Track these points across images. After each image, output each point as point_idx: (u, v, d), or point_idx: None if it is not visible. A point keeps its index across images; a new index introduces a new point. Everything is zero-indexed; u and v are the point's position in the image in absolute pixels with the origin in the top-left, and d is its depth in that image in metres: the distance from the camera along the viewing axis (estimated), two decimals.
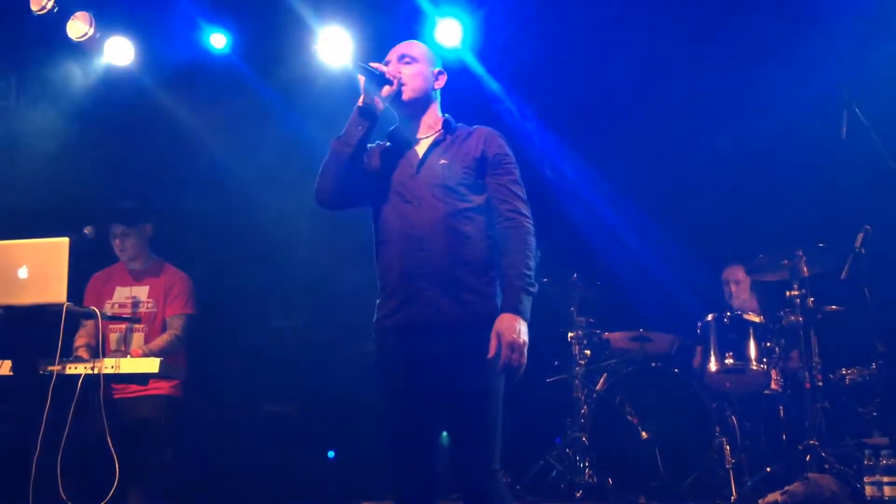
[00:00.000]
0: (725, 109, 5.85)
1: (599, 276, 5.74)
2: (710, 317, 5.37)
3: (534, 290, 2.88)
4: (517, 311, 2.82)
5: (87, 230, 4.30)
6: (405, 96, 3.09)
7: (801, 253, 5.07)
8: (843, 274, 4.84)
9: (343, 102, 5.98)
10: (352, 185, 3.08)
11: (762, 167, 5.85)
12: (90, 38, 5.71)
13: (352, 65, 3.01)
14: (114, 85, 6.04)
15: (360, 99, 3.05)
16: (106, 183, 5.87)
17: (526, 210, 3.01)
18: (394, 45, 5.95)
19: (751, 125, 5.81)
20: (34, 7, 5.44)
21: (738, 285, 5.76)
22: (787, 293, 5.11)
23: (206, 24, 5.96)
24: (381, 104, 3.06)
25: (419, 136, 3.14)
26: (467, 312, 2.90)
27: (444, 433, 2.96)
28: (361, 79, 3.03)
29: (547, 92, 5.95)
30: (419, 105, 3.14)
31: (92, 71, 5.98)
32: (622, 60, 5.94)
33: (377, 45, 6.00)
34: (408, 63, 3.13)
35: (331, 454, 6.08)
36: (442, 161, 3.04)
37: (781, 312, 5.17)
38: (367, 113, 3.05)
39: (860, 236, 4.84)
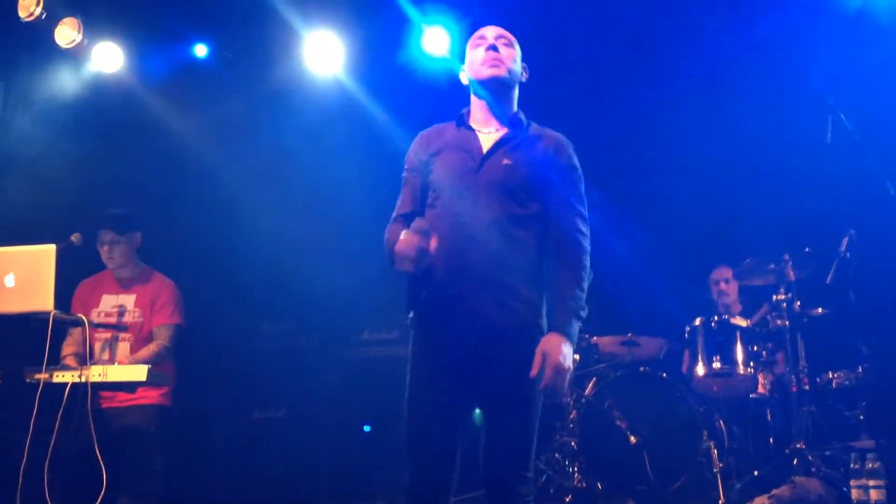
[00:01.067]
0: (712, 113, 5.87)
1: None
2: (697, 321, 5.38)
3: (584, 313, 2.81)
4: (566, 334, 2.75)
5: (74, 237, 4.30)
6: (503, 73, 2.99)
7: (787, 257, 5.11)
8: (829, 278, 4.87)
9: (331, 108, 6.08)
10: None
11: (748, 172, 5.88)
12: (79, 44, 5.71)
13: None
14: (103, 91, 6.04)
15: (408, 261, 2.76)
16: (94, 190, 5.85)
17: (585, 228, 2.92)
18: (381, 51, 5.99)
19: (737, 130, 5.85)
20: (22, 14, 5.44)
21: (729, 283, 5.77)
22: (774, 297, 5.15)
23: (194, 31, 5.95)
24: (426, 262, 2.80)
25: (489, 128, 3.02)
26: (513, 320, 2.82)
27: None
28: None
29: (534, 98, 5.95)
30: (507, 89, 3.05)
31: (81, 77, 5.97)
32: (609, 66, 5.96)
33: (364, 51, 6.05)
34: (506, 45, 3.06)
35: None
36: (506, 161, 2.92)
37: (768, 316, 5.20)
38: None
39: (845, 241, 4.88)
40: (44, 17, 5.47)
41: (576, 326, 2.79)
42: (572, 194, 2.95)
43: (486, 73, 3.01)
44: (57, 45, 5.69)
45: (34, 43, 5.74)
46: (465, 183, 2.91)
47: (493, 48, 3.02)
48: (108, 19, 5.88)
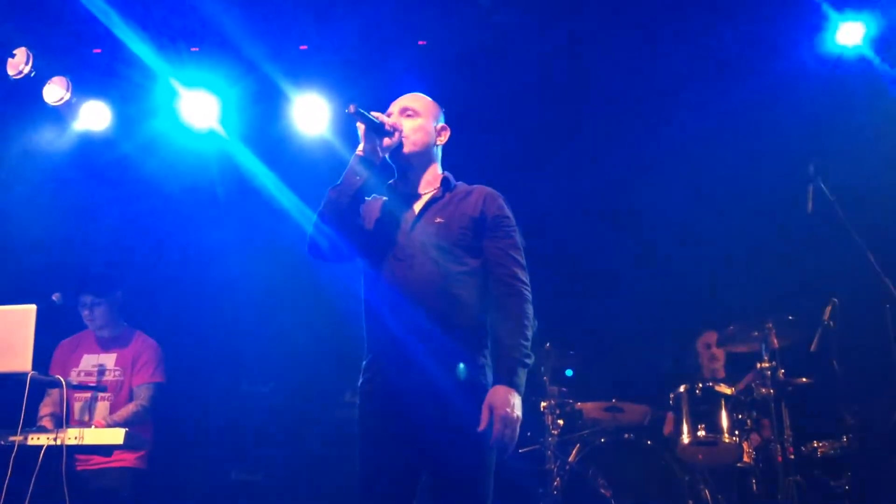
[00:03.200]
0: (695, 180, 5.94)
1: (572, 345, 5.73)
2: (682, 388, 5.34)
3: (530, 361, 2.79)
4: (512, 384, 2.72)
5: (55, 297, 4.27)
6: (405, 150, 3.00)
7: (770, 325, 5.11)
8: (813, 346, 4.87)
9: (317, 168, 6.11)
10: (347, 236, 2.96)
11: (731, 239, 5.92)
12: (67, 102, 5.73)
13: (352, 110, 2.85)
14: (89, 149, 6.04)
15: (360, 147, 2.94)
16: (77, 248, 5.82)
17: (524, 276, 2.91)
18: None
19: (720, 196, 5.91)
20: (11, 71, 5.45)
21: (719, 348, 5.73)
22: (758, 365, 5.13)
23: (183, 91, 5.98)
24: (380, 154, 2.95)
25: (417, 192, 3.05)
26: (454, 382, 2.79)
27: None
28: (361, 127, 2.92)
29: (519, 160, 6.03)
30: (419, 160, 3.05)
31: (68, 135, 5.98)
32: (594, 134, 6.04)
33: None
34: (409, 116, 3.05)
35: None
36: (438, 220, 2.94)
37: (753, 384, 5.19)
38: (366, 162, 2.93)
39: (828, 309, 4.89)
40: (33, 74, 5.49)
41: (522, 376, 2.76)
42: (508, 245, 2.94)
43: (389, 152, 3.00)
44: (45, 103, 5.70)
45: (22, 100, 5.74)
46: (400, 246, 2.93)
47: (393, 127, 3.00)
48: (96, 78, 5.91)
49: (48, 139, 5.94)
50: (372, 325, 2.94)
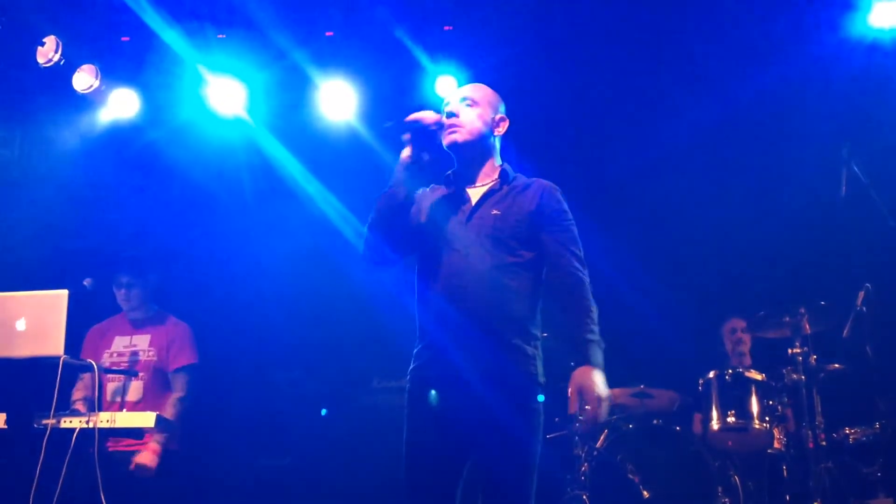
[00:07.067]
0: (727, 166, 5.88)
1: (599, 330, 5.68)
2: (711, 374, 5.29)
3: (602, 344, 2.84)
4: (595, 363, 2.78)
5: (86, 282, 4.32)
6: (461, 139, 3.03)
7: (802, 310, 5.03)
8: (845, 332, 4.81)
9: (345, 154, 6.11)
10: (399, 242, 3.01)
11: (763, 224, 5.85)
12: (96, 89, 5.78)
13: (389, 125, 2.94)
14: (118, 136, 6.09)
15: (404, 153, 2.97)
16: (109, 234, 5.87)
17: (583, 267, 2.95)
18: (394, 98, 6.04)
19: (752, 180, 5.85)
20: (41, 59, 5.50)
21: (745, 334, 5.66)
22: (790, 351, 5.07)
23: (211, 77, 5.99)
24: (426, 156, 2.99)
25: (475, 183, 3.08)
26: (505, 371, 2.83)
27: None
28: (406, 136, 2.96)
29: (545, 148, 5.98)
30: (476, 150, 3.08)
31: (97, 122, 6.03)
32: (622, 117, 5.99)
33: (378, 98, 6.10)
34: (469, 105, 3.08)
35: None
36: (494, 211, 2.97)
37: (783, 370, 5.13)
38: (412, 167, 2.97)
39: (861, 294, 4.82)
40: (62, 63, 5.54)
41: (600, 355, 2.81)
42: (566, 238, 2.98)
43: (446, 140, 3.05)
44: (74, 91, 5.75)
45: (52, 88, 5.80)
46: (456, 236, 2.96)
47: (452, 114, 3.06)
48: (125, 65, 5.96)
49: (78, 126, 5.99)
50: (425, 312, 2.98)
